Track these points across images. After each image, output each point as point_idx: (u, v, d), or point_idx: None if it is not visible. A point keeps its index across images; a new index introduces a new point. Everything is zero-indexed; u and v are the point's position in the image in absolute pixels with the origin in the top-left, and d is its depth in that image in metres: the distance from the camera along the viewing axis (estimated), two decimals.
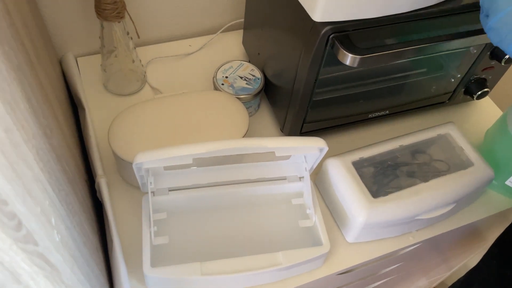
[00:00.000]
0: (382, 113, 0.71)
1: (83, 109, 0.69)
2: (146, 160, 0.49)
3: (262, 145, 0.51)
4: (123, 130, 0.60)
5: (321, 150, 0.54)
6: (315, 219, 0.58)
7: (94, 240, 0.52)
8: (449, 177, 0.61)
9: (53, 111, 0.49)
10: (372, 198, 0.58)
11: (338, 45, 0.52)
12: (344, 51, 0.52)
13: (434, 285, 1.20)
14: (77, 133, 0.70)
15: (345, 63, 0.52)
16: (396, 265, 0.78)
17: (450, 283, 1.26)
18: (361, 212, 0.57)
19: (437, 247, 0.78)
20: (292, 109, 0.66)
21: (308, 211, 0.60)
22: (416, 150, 0.68)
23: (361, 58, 0.52)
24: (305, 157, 0.60)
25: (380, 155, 0.64)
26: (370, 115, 0.70)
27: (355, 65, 0.52)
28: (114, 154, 0.59)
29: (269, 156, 0.65)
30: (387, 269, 0.77)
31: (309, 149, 0.54)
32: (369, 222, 0.57)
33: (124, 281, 0.52)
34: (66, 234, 0.35)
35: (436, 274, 1.11)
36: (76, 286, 0.32)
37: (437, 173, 0.66)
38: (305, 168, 0.59)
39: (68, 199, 0.41)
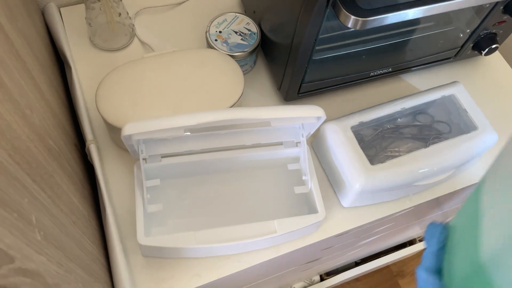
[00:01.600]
0: (385, 70, 0.67)
1: (70, 67, 0.65)
2: (134, 132, 0.47)
3: (257, 116, 0.48)
4: (111, 93, 0.57)
5: (318, 119, 0.52)
6: (311, 185, 0.57)
7: (85, 212, 0.51)
8: (450, 142, 0.59)
9: (32, 79, 0.46)
10: (370, 165, 0.56)
11: (340, 5, 0.48)
12: (346, 12, 0.47)
13: None
14: (65, 93, 0.67)
15: (346, 25, 0.48)
16: (390, 224, 0.78)
17: None
18: (358, 179, 0.55)
19: (435, 205, 0.78)
20: (291, 67, 0.62)
21: (304, 177, 0.59)
22: (418, 111, 0.65)
23: (363, 21, 0.47)
24: (302, 123, 0.57)
25: (381, 118, 0.61)
26: (372, 73, 0.67)
27: (357, 27, 0.48)
28: (103, 119, 0.56)
29: (265, 122, 0.62)
30: (381, 228, 0.78)
31: (306, 118, 0.51)
32: (366, 189, 0.56)
33: (118, 250, 0.52)
34: (51, 224, 0.34)
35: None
36: (64, 279, 0.32)
37: (438, 136, 0.64)
38: (302, 134, 0.57)
39: (53, 180, 0.40)
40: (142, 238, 0.51)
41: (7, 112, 0.32)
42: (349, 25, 0.48)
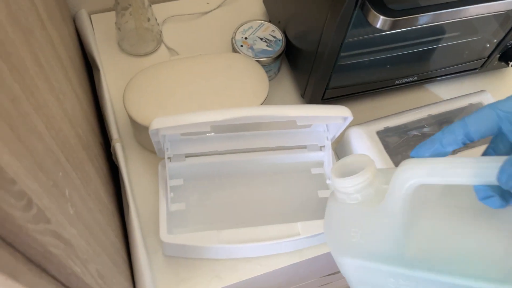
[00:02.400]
0: (410, 79, 0.67)
1: (98, 69, 0.67)
2: (162, 127, 0.47)
3: (283, 114, 0.48)
4: (138, 93, 0.58)
5: (345, 119, 0.51)
6: None
7: (110, 206, 0.51)
8: (476, 150, 0.58)
9: (66, 73, 0.47)
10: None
11: (369, 6, 0.48)
12: (375, 13, 0.48)
13: None
14: (92, 94, 0.68)
15: (375, 26, 0.49)
16: None
17: None
18: None
19: None
20: (315, 73, 0.62)
21: (328, 181, 0.58)
22: (444, 120, 0.64)
23: (392, 21, 0.48)
24: (327, 126, 0.57)
25: (407, 124, 0.61)
26: (397, 81, 0.67)
27: (386, 28, 0.48)
28: (130, 118, 0.57)
29: (290, 124, 0.62)
30: None
31: (332, 118, 0.51)
32: None
33: (140, 246, 0.51)
34: (81, 204, 0.34)
35: None
36: (92, 258, 0.32)
37: (464, 146, 0.63)
38: (327, 137, 0.57)
39: (82, 166, 0.40)
40: (165, 236, 0.50)
41: (45, 90, 0.33)
42: (378, 26, 0.48)
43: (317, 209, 0.59)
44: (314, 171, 0.60)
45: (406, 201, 0.31)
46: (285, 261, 0.55)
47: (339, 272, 0.79)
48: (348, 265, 0.36)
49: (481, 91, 0.64)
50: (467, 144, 0.32)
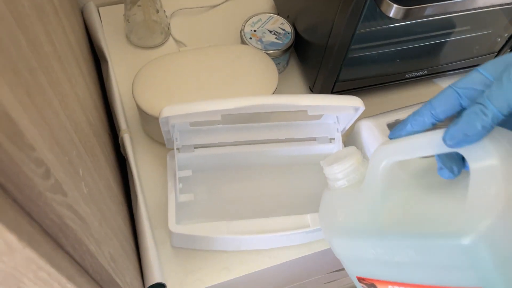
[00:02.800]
0: (420, 73, 0.67)
1: (106, 61, 0.67)
2: (172, 115, 0.47)
3: (294, 103, 0.48)
4: (147, 83, 0.58)
5: (356, 110, 0.51)
6: None
7: (119, 195, 0.51)
8: None
9: (76, 61, 0.47)
10: None
11: None
12: (389, 1, 0.47)
13: None
14: (100, 87, 0.68)
15: (388, 15, 0.48)
16: None
17: None
18: None
19: None
20: (325, 66, 0.62)
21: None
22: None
23: (406, 10, 0.47)
24: (337, 117, 0.56)
25: None
26: (407, 75, 0.66)
27: (399, 17, 0.48)
28: (138, 108, 0.57)
29: (299, 115, 0.62)
30: None
31: (344, 108, 0.51)
32: None
33: (149, 237, 0.51)
34: (93, 187, 0.33)
35: None
36: (105, 240, 0.31)
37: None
38: (337, 129, 0.56)
39: (94, 152, 0.39)
40: (173, 226, 0.50)
41: (58, 70, 0.32)
42: (391, 15, 0.48)
43: None
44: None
45: (381, 179, 0.36)
46: (294, 254, 0.55)
47: (343, 269, 0.79)
48: (337, 245, 0.41)
49: None
50: (437, 124, 0.35)
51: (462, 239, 0.28)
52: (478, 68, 0.33)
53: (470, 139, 0.29)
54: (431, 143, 0.32)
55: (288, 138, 0.58)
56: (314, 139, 0.59)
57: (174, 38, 0.72)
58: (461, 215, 0.29)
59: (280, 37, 0.66)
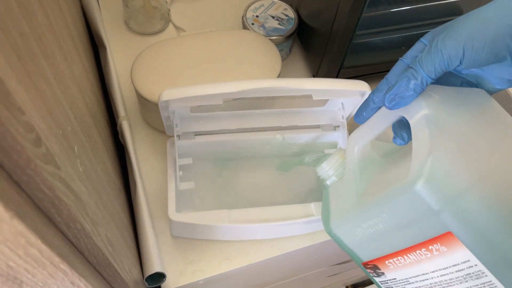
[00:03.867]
0: None
1: (104, 48, 0.65)
2: (172, 98, 0.45)
3: (299, 86, 0.46)
4: (146, 68, 0.56)
5: (362, 94, 0.49)
6: None
7: (117, 182, 0.49)
8: None
9: (72, 40, 0.45)
10: None
11: None
12: None
13: None
14: (99, 75, 0.66)
15: None
16: None
17: None
18: None
19: None
20: (329, 53, 0.61)
21: None
22: None
23: None
24: (342, 104, 0.55)
25: None
26: None
27: None
28: (137, 94, 0.55)
29: (303, 102, 0.60)
30: None
31: (350, 93, 0.49)
32: None
33: (148, 225, 0.49)
34: (90, 167, 0.32)
35: None
36: (102, 222, 0.29)
37: None
38: (342, 116, 0.55)
39: (90, 132, 0.38)
40: (173, 214, 0.48)
41: (53, 43, 0.31)
42: None
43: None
44: (328, 152, 0.58)
45: (358, 162, 0.42)
46: (297, 244, 0.53)
47: (347, 261, 0.77)
48: (336, 236, 0.43)
49: None
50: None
51: (413, 187, 0.31)
52: (421, 38, 0.38)
53: (405, 100, 0.34)
54: (382, 116, 0.38)
55: (291, 125, 0.57)
56: (318, 126, 0.58)
57: (174, 25, 0.70)
58: (410, 167, 0.32)
59: (283, 23, 0.64)
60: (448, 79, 0.37)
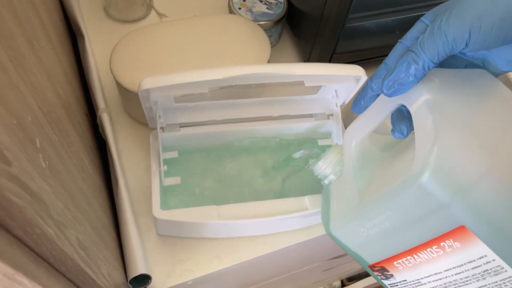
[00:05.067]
0: None
1: (82, 36, 0.61)
2: (154, 87, 0.42)
3: (290, 72, 0.43)
4: (127, 56, 0.52)
5: (357, 80, 0.46)
6: None
7: (96, 179, 0.46)
8: None
9: (42, 25, 0.41)
10: None
11: None
12: None
13: None
14: (78, 66, 0.62)
15: None
16: None
17: None
18: None
19: None
20: (320, 38, 0.57)
21: None
22: None
23: None
24: (336, 91, 0.52)
25: None
26: None
27: None
28: (117, 84, 0.52)
29: (294, 90, 0.57)
30: None
31: (344, 78, 0.46)
32: None
33: (131, 224, 0.46)
34: (58, 163, 0.28)
35: None
36: (72, 224, 0.26)
37: None
38: (336, 104, 0.52)
39: (61, 125, 0.34)
40: (158, 212, 0.45)
41: (15, 29, 0.27)
42: None
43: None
44: (321, 142, 0.55)
45: (356, 157, 0.39)
46: (291, 239, 0.51)
47: (343, 255, 0.75)
48: (339, 237, 0.40)
49: None
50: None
51: (419, 180, 0.28)
52: (422, 17, 0.34)
53: (405, 87, 0.31)
54: (380, 106, 0.35)
55: (282, 115, 0.54)
56: (310, 116, 0.55)
57: (156, 11, 0.67)
58: (415, 159, 0.29)
59: (272, 7, 0.61)
60: (450, 61, 0.34)
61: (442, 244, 0.30)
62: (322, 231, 0.51)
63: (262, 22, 0.59)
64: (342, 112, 0.54)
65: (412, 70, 0.30)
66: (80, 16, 0.63)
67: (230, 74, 0.42)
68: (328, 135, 0.55)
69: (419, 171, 0.28)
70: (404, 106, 0.34)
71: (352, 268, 0.96)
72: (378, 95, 0.36)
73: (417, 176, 0.28)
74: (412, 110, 0.31)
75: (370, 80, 0.36)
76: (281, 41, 0.66)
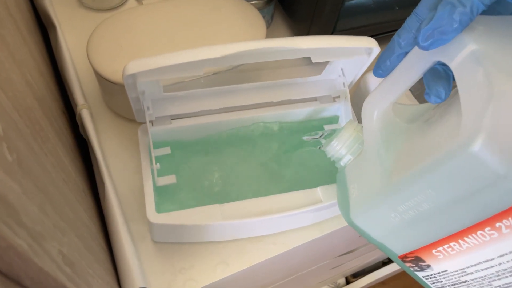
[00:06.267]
0: None
1: (54, 27, 0.55)
2: (141, 70, 0.36)
3: (295, 46, 0.38)
4: (106, 43, 0.46)
5: (369, 53, 0.41)
6: None
7: (79, 182, 0.40)
8: None
9: (7, 10, 0.35)
10: None
11: None
12: None
13: None
14: (50, 60, 0.56)
15: None
16: None
17: None
18: None
19: None
20: (318, 18, 0.53)
21: None
22: None
23: None
24: (342, 69, 0.47)
25: None
26: None
27: None
28: (96, 75, 0.46)
29: (294, 72, 0.52)
30: None
31: (355, 51, 0.41)
32: None
33: (123, 231, 0.40)
34: (30, 158, 0.22)
35: None
36: (52, 235, 0.20)
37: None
38: (343, 83, 0.47)
39: (33, 116, 0.28)
40: (153, 215, 0.39)
41: None
42: None
43: (335, 173, 0.49)
44: (328, 127, 0.50)
45: (379, 131, 0.34)
46: (304, 237, 0.45)
47: (352, 251, 0.70)
48: (363, 226, 0.36)
49: None
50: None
51: (469, 148, 0.23)
52: None
53: (446, 36, 0.26)
54: (408, 65, 0.30)
55: (284, 100, 0.48)
56: (315, 99, 0.50)
57: None
58: (462, 123, 0.24)
59: None
60: (495, 8, 0.29)
61: (497, 224, 0.25)
62: (337, 225, 0.47)
63: (252, 2, 0.54)
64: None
65: (457, 14, 0.25)
66: (50, 5, 0.56)
67: (229, 51, 0.36)
68: (335, 120, 0.51)
69: (469, 137, 0.23)
70: (440, 64, 0.29)
71: (357, 265, 0.92)
72: (406, 54, 0.31)
73: (467, 144, 0.23)
74: (453, 65, 0.26)
75: (397, 36, 0.31)
76: (273, 23, 0.61)
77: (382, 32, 0.58)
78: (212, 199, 0.44)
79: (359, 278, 0.94)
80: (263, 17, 0.57)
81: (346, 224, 0.47)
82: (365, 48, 0.40)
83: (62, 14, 0.58)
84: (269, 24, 0.60)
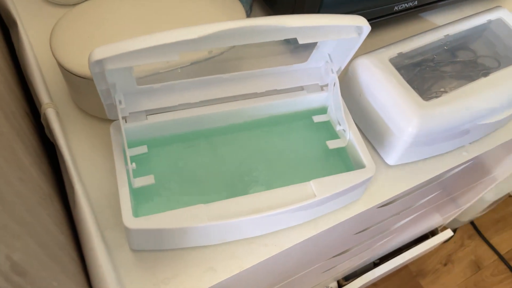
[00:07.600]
0: (410, 4, 0.56)
1: (15, 23, 0.50)
2: (110, 55, 0.32)
3: (281, 23, 0.35)
4: (71, 35, 0.42)
5: (359, 32, 0.39)
6: (350, 136, 0.43)
7: (43, 186, 0.35)
8: (508, 70, 0.48)
9: None
10: (423, 101, 0.43)
11: None
12: None
13: (448, 221, 1.10)
14: (12, 59, 0.51)
15: None
16: (437, 192, 0.66)
17: (463, 219, 1.17)
18: (412, 120, 0.42)
19: (486, 167, 0.67)
20: (300, 9, 0.50)
21: (338, 128, 0.45)
22: (458, 46, 0.54)
23: None
24: (329, 55, 0.44)
25: (423, 48, 0.49)
26: (395, 8, 0.55)
27: None
28: (62, 70, 0.41)
29: (278, 60, 0.49)
30: (424, 200, 0.64)
31: (345, 29, 0.38)
32: (422, 132, 0.43)
33: (95, 239, 0.36)
34: None
35: (449, 211, 1.01)
36: (12, 244, 0.16)
37: (487, 73, 0.53)
38: (332, 69, 0.44)
39: None
40: (130, 220, 0.35)
41: None
42: None
43: (328, 164, 0.45)
44: (317, 119, 0.47)
45: None
46: (298, 236, 0.42)
47: (345, 252, 0.67)
48: None
49: (497, 6, 0.54)
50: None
51: None
52: None
53: None
54: None
55: (268, 90, 0.45)
56: (301, 88, 0.46)
57: None
58: None
59: None
60: None
61: None
62: (333, 222, 0.43)
63: None
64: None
65: None
66: (11, 1, 0.52)
67: (208, 31, 0.33)
68: (324, 110, 0.47)
69: None
70: None
71: (348, 267, 0.89)
72: None
73: None
74: None
75: None
76: (252, 13, 0.58)
77: (370, 19, 0.56)
78: (195, 200, 0.40)
79: (351, 281, 0.91)
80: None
81: (343, 220, 0.44)
82: (355, 26, 0.38)
83: (25, 11, 0.53)
84: (248, 14, 0.57)
